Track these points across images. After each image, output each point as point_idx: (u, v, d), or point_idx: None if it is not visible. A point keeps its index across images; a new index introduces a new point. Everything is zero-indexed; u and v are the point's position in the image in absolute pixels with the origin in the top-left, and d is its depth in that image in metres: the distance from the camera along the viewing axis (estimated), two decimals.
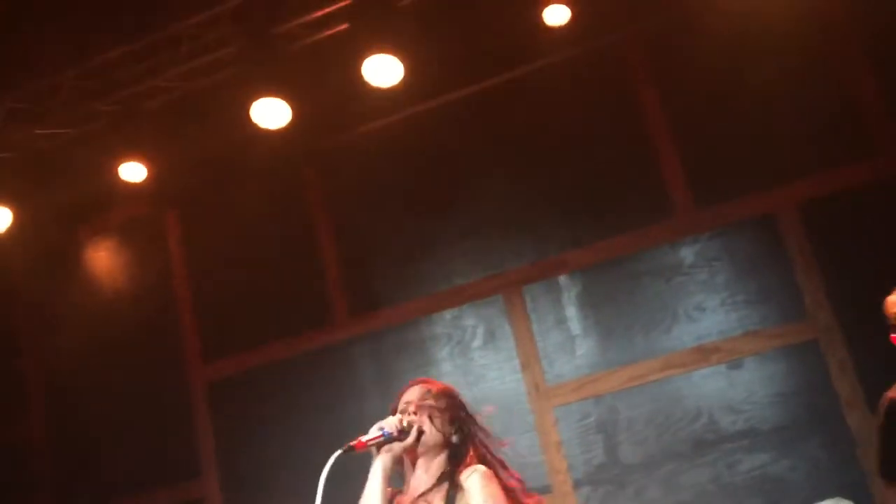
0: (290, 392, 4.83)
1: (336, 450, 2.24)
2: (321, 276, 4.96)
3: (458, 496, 2.33)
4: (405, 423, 2.37)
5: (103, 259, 5.39)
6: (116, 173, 4.62)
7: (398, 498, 2.41)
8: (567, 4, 4.18)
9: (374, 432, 2.32)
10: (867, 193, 4.17)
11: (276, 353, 4.92)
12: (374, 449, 2.34)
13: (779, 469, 4.07)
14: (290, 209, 5.08)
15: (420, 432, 2.38)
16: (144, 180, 4.67)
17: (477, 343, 4.66)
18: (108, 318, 5.21)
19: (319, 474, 2.35)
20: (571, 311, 4.55)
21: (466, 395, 4.44)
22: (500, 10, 4.37)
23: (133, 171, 4.63)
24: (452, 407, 2.48)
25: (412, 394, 2.48)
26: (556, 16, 4.20)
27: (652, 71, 4.62)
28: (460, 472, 2.36)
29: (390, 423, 2.35)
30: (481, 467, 2.37)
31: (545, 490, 4.32)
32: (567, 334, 4.53)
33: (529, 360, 4.53)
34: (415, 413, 2.41)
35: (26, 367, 5.39)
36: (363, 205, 4.98)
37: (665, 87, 4.59)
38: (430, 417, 2.42)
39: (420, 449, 2.38)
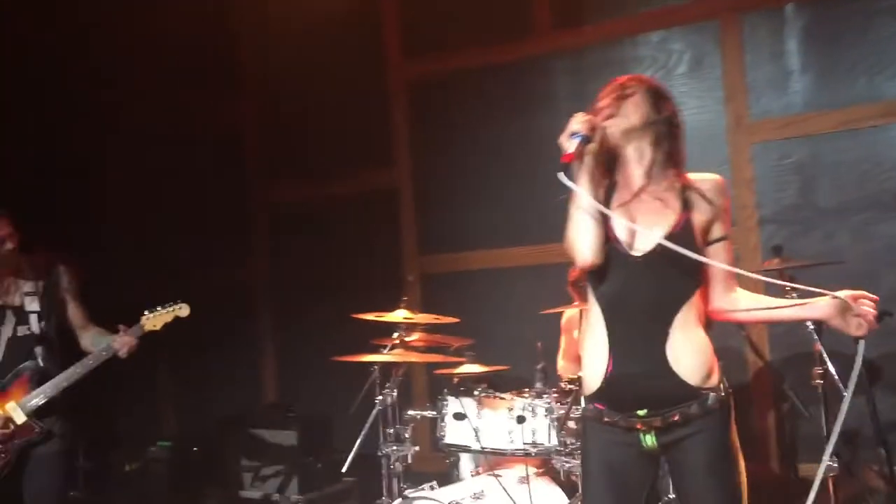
0: (485, 100, 4.91)
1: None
2: None
3: (694, 201, 2.15)
4: (588, 120, 2.10)
5: None
6: None
7: (617, 195, 2.19)
8: None
9: (571, 142, 2.07)
10: None
11: (476, 59, 4.94)
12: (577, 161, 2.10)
13: None
14: None
15: (607, 121, 2.15)
16: None
17: (682, 69, 4.50)
18: (316, 9, 5.32)
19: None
20: (791, 45, 4.25)
21: None
22: None
23: None
24: (644, 88, 2.19)
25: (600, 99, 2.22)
26: None
27: None
28: (682, 173, 2.15)
29: (576, 124, 2.09)
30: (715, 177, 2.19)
31: None
32: (782, 69, 4.28)
33: (735, 93, 4.36)
34: (606, 110, 2.17)
35: (242, 57, 5.71)
36: None
37: None
38: (619, 102, 2.17)
39: (614, 140, 2.16)
